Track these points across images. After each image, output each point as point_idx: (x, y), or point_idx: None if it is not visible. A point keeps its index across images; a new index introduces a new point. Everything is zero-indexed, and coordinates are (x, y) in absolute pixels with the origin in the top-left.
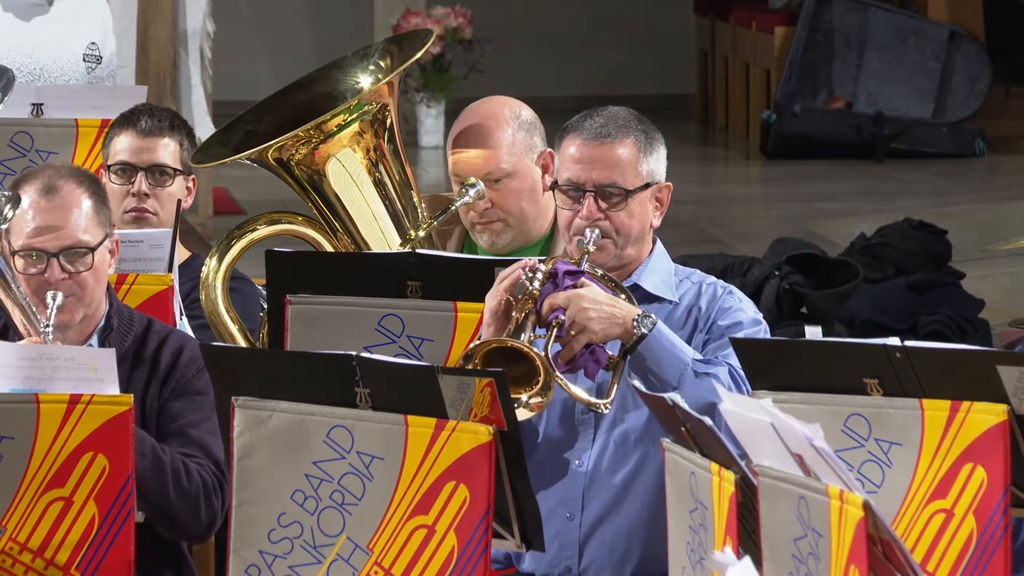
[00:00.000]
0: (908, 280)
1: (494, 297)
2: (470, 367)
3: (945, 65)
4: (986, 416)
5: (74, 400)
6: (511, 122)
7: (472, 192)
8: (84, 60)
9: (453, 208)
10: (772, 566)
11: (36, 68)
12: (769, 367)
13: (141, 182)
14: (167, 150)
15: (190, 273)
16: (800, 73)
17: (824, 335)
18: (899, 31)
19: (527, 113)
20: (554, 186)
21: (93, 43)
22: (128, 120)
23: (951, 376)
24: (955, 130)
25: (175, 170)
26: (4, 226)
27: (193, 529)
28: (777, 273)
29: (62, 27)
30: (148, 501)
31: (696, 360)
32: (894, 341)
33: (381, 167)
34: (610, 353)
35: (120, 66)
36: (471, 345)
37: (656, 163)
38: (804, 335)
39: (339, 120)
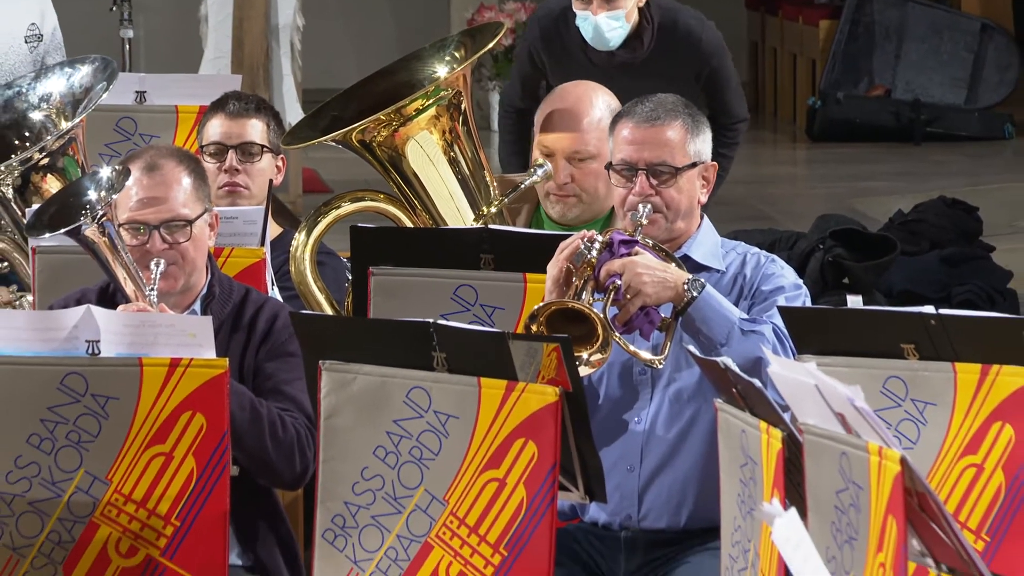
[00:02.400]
0: (942, 253)
1: (555, 265)
2: (534, 327)
3: (977, 55)
4: (1014, 378)
5: (174, 364)
6: (600, 108)
7: (540, 172)
8: (26, 41)
9: (523, 186)
10: (816, 517)
11: None
12: (814, 333)
13: (232, 159)
14: (254, 129)
15: (281, 247)
16: (843, 63)
17: (864, 304)
18: (935, 24)
19: (614, 102)
20: (609, 166)
21: (32, 24)
22: (218, 105)
23: (981, 342)
24: (986, 115)
25: (262, 147)
26: (114, 196)
27: (288, 476)
28: (821, 247)
29: None
30: (247, 451)
31: (742, 319)
32: (929, 309)
33: (456, 148)
34: (663, 315)
35: (217, 57)
36: (536, 307)
37: (703, 144)
38: (846, 304)
39: (417, 105)
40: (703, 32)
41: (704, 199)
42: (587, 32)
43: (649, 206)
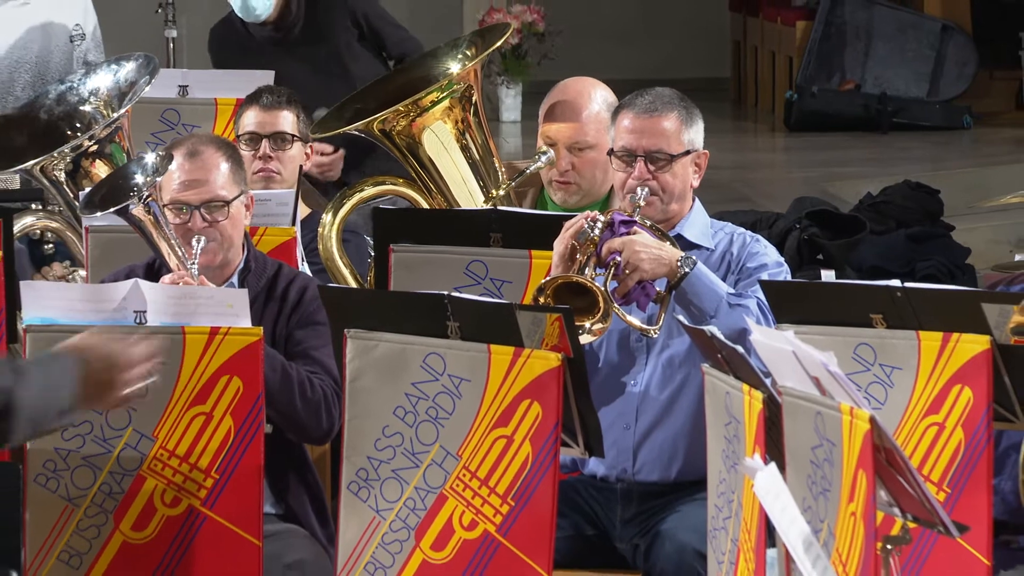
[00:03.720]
0: (907, 232)
1: (561, 242)
2: (542, 299)
3: (938, 53)
4: (972, 345)
5: (213, 332)
6: (598, 102)
7: (543, 159)
8: (71, 41)
9: (528, 172)
10: (793, 470)
11: (31, 57)
12: (791, 304)
13: (265, 147)
14: (286, 120)
15: (310, 226)
16: (817, 60)
17: (837, 278)
18: (900, 25)
19: (611, 96)
20: (611, 152)
21: (77, 24)
22: (253, 98)
23: (943, 312)
24: (947, 107)
25: (293, 136)
26: (159, 179)
27: (316, 433)
28: (798, 226)
29: (45, 17)
30: (279, 410)
31: (730, 294)
32: (895, 283)
33: (467, 136)
34: (658, 289)
35: None
36: (543, 280)
37: (695, 134)
38: (820, 278)
39: (432, 97)
40: None
41: (696, 183)
42: (235, 4)
43: (646, 189)
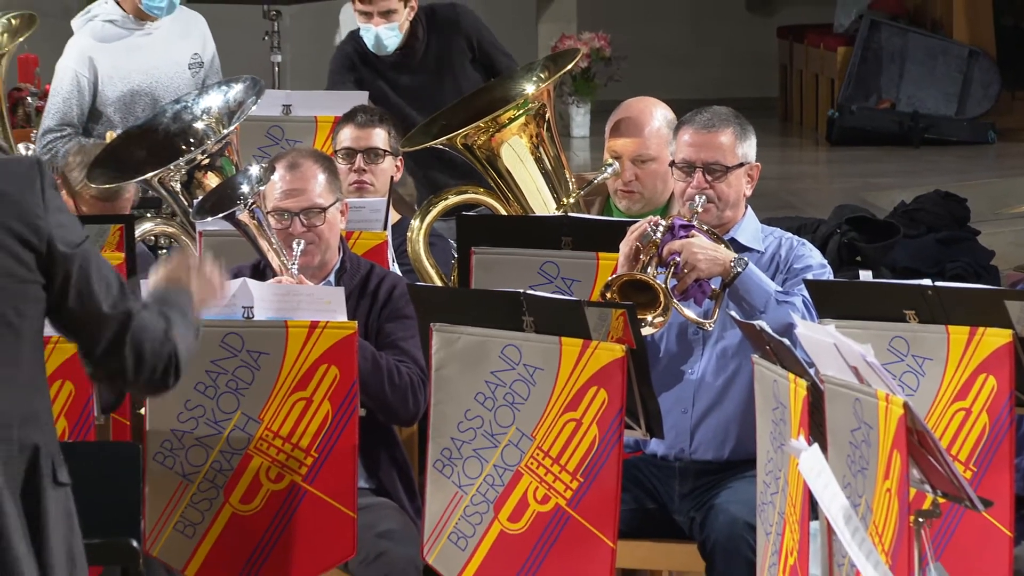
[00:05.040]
0: (937, 236)
1: (627, 244)
2: (608, 295)
3: (965, 75)
4: (996, 339)
5: (313, 326)
6: (659, 119)
7: (610, 170)
8: (189, 68)
9: (596, 182)
10: (834, 450)
11: (154, 83)
12: (833, 301)
13: (360, 161)
14: (378, 137)
15: (400, 231)
16: (856, 82)
17: (874, 278)
18: (930, 50)
19: (670, 114)
20: (672, 164)
21: (196, 53)
22: (349, 117)
23: (969, 308)
24: (973, 124)
25: (384, 151)
26: (263, 188)
27: (403, 415)
28: (838, 231)
29: (168, 47)
30: (371, 395)
31: (777, 292)
32: (926, 282)
33: (541, 150)
34: (713, 287)
35: None
36: (610, 277)
37: (749, 148)
38: (859, 278)
39: (510, 114)
40: (455, 6)
41: (748, 192)
42: (369, 40)
43: (704, 197)
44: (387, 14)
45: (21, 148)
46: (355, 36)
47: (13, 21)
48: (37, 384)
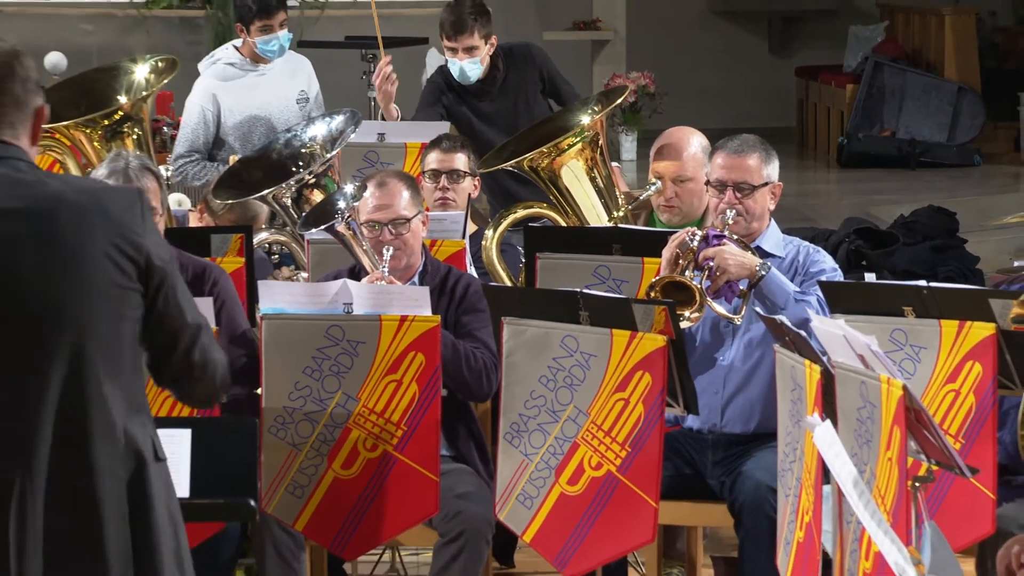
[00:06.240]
0: (931, 244)
1: (668, 251)
2: (652, 294)
3: (955, 108)
4: (981, 331)
5: (403, 319)
6: (695, 145)
7: (653, 188)
8: (297, 103)
9: (641, 198)
10: (844, 426)
11: (266, 116)
12: (843, 299)
13: (443, 181)
14: (459, 160)
15: (476, 240)
16: (862, 113)
17: (877, 280)
18: (925, 87)
19: (704, 141)
20: (707, 183)
21: (302, 90)
22: (435, 143)
23: (959, 306)
24: (961, 149)
25: (465, 173)
26: (356, 203)
27: (478, 394)
28: (847, 240)
29: (278, 84)
30: (450, 376)
31: (796, 291)
32: (922, 283)
33: (595, 171)
34: (741, 287)
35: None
36: (654, 279)
37: (773, 169)
38: (864, 279)
39: (568, 141)
40: (529, 45)
41: (772, 207)
42: (454, 71)
43: (734, 211)
44: (470, 50)
45: (161, 169)
46: (443, 68)
47: (159, 64)
48: (136, 376)
